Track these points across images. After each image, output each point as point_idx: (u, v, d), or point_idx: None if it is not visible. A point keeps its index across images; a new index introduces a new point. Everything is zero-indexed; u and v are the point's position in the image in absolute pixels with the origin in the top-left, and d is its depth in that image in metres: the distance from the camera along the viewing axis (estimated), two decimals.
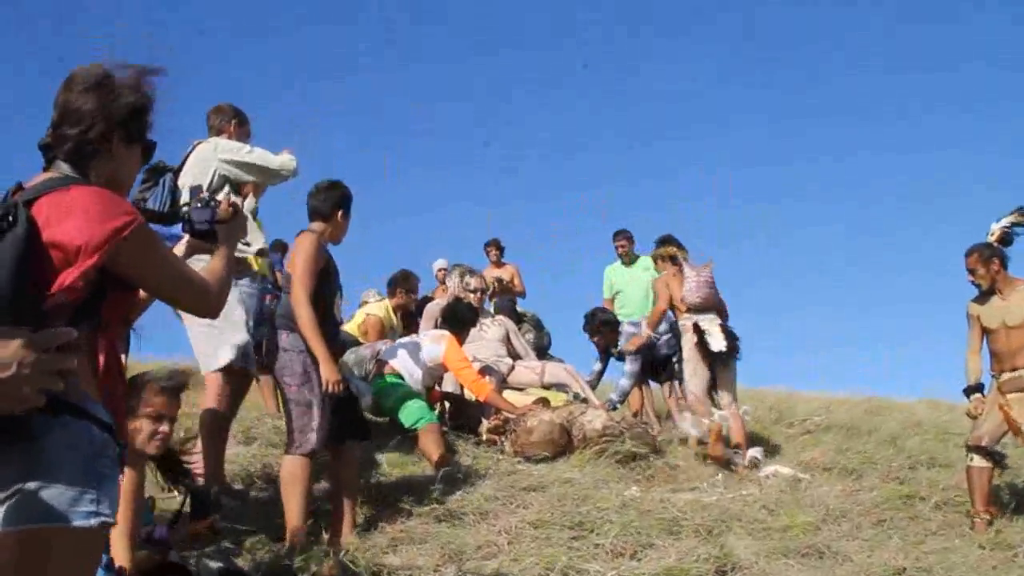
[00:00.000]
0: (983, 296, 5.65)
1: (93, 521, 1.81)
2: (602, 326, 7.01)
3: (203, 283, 2.18)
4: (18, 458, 1.76)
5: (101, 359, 1.99)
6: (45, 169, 2.08)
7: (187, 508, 3.59)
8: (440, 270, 9.62)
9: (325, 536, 4.18)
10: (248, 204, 5.04)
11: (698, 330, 6.52)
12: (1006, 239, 5.75)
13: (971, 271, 5.60)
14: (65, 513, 1.77)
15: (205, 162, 4.81)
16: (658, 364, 7.04)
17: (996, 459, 5.48)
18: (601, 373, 7.41)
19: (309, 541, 4.00)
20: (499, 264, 9.85)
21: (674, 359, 7.00)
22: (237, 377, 4.74)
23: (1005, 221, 5.77)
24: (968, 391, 5.71)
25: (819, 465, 6.60)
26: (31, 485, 1.76)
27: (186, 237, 2.55)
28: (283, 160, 4.94)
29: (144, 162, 2.26)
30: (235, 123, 5.12)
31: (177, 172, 4.67)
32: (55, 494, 1.77)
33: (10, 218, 1.82)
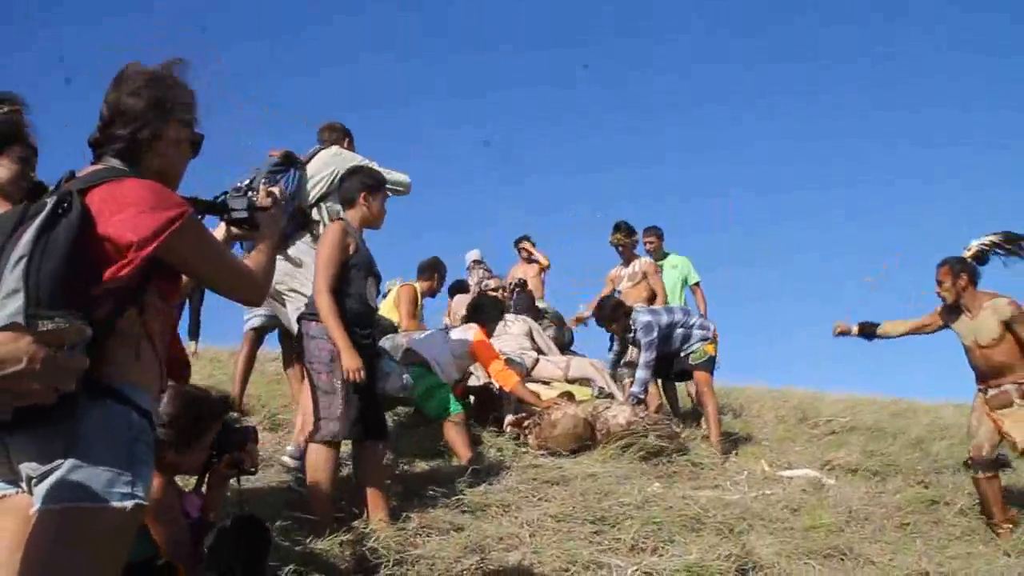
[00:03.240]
0: (951, 312, 5.66)
1: (128, 503, 1.86)
2: (613, 311, 6.98)
3: (248, 272, 2.27)
4: (60, 437, 1.82)
5: (148, 343, 2.04)
6: (94, 163, 2.14)
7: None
8: (474, 261, 9.69)
9: (351, 523, 4.23)
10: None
11: None
12: (981, 257, 5.75)
13: (939, 283, 5.62)
14: (101, 493, 1.83)
15: (329, 164, 5.25)
16: (670, 357, 7.03)
17: (1000, 464, 5.46)
18: (620, 354, 7.45)
19: (336, 527, 4.04)
20: (529, 261, 9.88)
21: (681, 354, 7.01)
22: None
23: (985, 240, 5.76)
24: (859, 327, 6.09)
25: (843, 466, 6.58)
26: (70, 463, 1.82)
27: (222, 225, 2.60)
28: (401, 176, 5.46)
29: (193, 155, 2.31)
30: (348, 141, 5.63)
31: (304, 165, 5.19)
32: (92, 474, 1.83)
33: (66, 205, 1.87)
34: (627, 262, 8.45)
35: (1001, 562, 4.70)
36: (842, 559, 4.49)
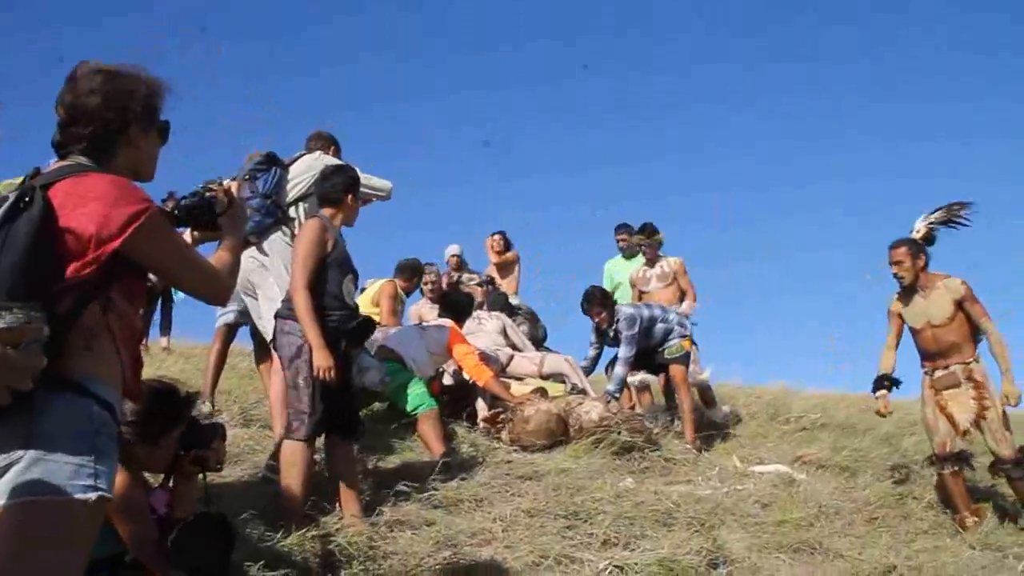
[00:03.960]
0: (905, 295, 5.71)
1: (92, 495, 1.85)
2: (604, 298, 6.95)
3: (212, 270, 2.25)
4: (20, 431, 1.81)
5: (110, 339, 2.02)
6: (61, 159, 2.12)
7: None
8: (452, 256, 9.67)
9: (322, 519, 4.21)
10: None
11: None
12: (930, 237, 5.83)
13: (898, 263, 5.64)
14: (64, 486, 1.82)
15: (310, 167, 5.32)
16: (651, 352, 7.04)
17: (963, 459, 5.53)
18: (596, 359, 7.39)
19: (306, 524, 4.02)
20: (502, 253, 9.87)
21: (660, 350, 7.02)
22: None
23: (932, 218, 5.83)
24: (876, 384, 5.86)
25: (814, 462, 6.64)
26: (31, 456, 1.80)
27: (187, 230, 2.57)
28: (383, 183, 5.89)
29: (162, 142, 2.29)
30: (333, 149, 5.79)
31: (287, 167, 5.31)
32: (54, 468, 1.81)
33: (27, 199, 1.86)
34: (651, 263, 8.31)
35: (967, 555, 4.77)
36: (812, 553, 4.54)
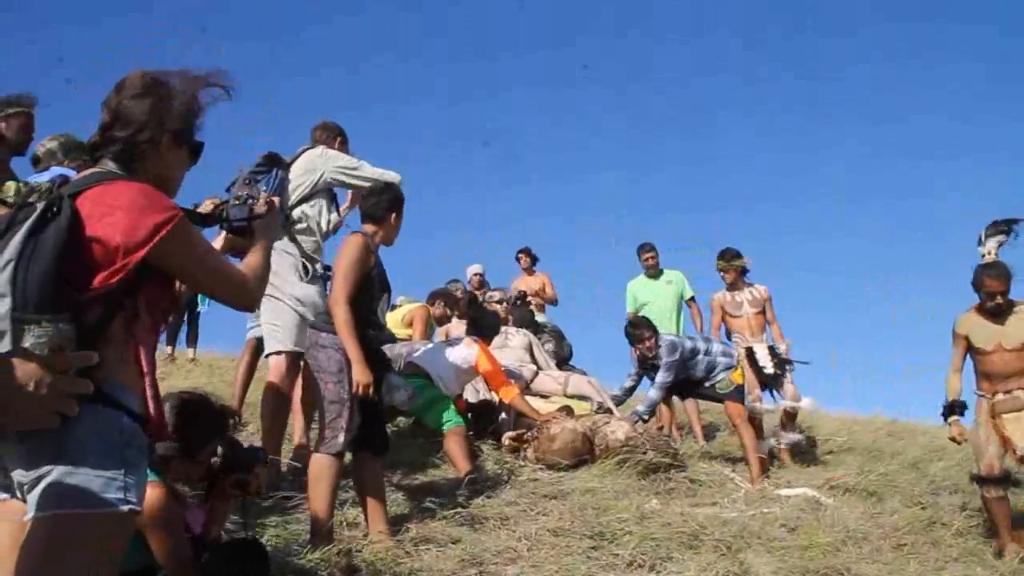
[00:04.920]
0: (977, 316, 5.62)
1: (123, 508, 1.85)
2: (651, 327, 6.90)
3: (241, 277, 2.24)
4: (50, 443, 1.81)
5: (136, 349, 2.02)
6: (91, 166, 2.14)
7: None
8: (475, 275, 9.71)
9: (347, 533, 4.22)
10: (334, 217, 5.46)
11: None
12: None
13: (1000, 293, 5.53)
14: (94, 498, 1.82)
15: (312, 165, 5.15)
16: (692, 384, 7.01)
17: (1009, 481, 5.46)
18: (631, 391, 7.32)
19: (332, 539, 4.03)
20: (531, 272, 9.90)
21: (706, 383, 6.96)
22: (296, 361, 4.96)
23: (992, 244, 5.75)
24: (947, 410, 5.72)
25: (842, 486, 6.57)
26: (61, 469, 1.81)
27: (223, 234, 2.60)
28: (391, 175, 5.22)
29: (192, 162, 2.31)
30: (339, 140, 5.48)
31: (288, 166, 5.07)
32: (84, 480, 1.82)
33: (55, 208, 1.87)
34: (732, 287, 7.93)
35: None
36: None
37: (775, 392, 7.58)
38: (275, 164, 5.00)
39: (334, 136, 5.48)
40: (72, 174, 2.37)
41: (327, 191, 5.29)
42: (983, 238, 5.84)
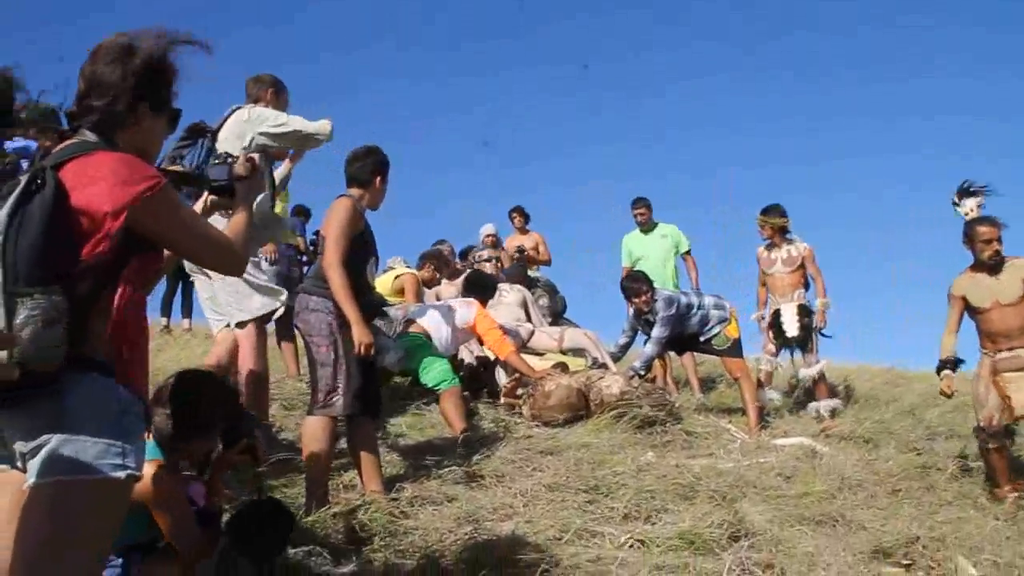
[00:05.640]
0: (972, 274, 5.63)
1: (121, 473, 1.87)
2: (648, 282, 6.87)
3: (226, 241, 2.24)
4: (46, 412, 1.82)
5: (119, 318, 2.01)
6: (69, 137, 2.11)
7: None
8: (488, 235, 9.66)
9: (343, 495, 4.24)
10: (280, 172, 5.27)
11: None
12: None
13: (995, 240, 5.52)
14: (93, 465, 1.84)
15: (240, 128, 4.88)
16: (685, 339, 7.01)
17: (1008, 434, 5.48)
18: (626, 347, 7.31)
19: (328, 501, 4.05)
20: (524, 231, 9.88)
21: (701, 338, 6.96)
22: (262, 329, 4.89)
23: (971, 202, 5.75)
24: (940, 367, 5.75)
25: (837, 434, 6.60)
26: (60, 437, 1.82)
27: (204, 195, 2.57)
28: (319, 125, 4.98)
29: (170, 130, 2.29)
30: (272, 92, 5.16)
31: (215, 134, 4.76)
32: (83, 447, 1.83)
33: (39, 181, 1.86)
34: (772, 246, 7.72)
35: (991, 526, 4.73)
36: (834, 525, 4.51)
37: (796, 352, 7.54)
38: (199, 135, 4.59)
39: (266, 88, 5.17)
40: (34, 145, 2.33)
41: (263, 155, 4.87)
42: (958, 200, 5.83)
